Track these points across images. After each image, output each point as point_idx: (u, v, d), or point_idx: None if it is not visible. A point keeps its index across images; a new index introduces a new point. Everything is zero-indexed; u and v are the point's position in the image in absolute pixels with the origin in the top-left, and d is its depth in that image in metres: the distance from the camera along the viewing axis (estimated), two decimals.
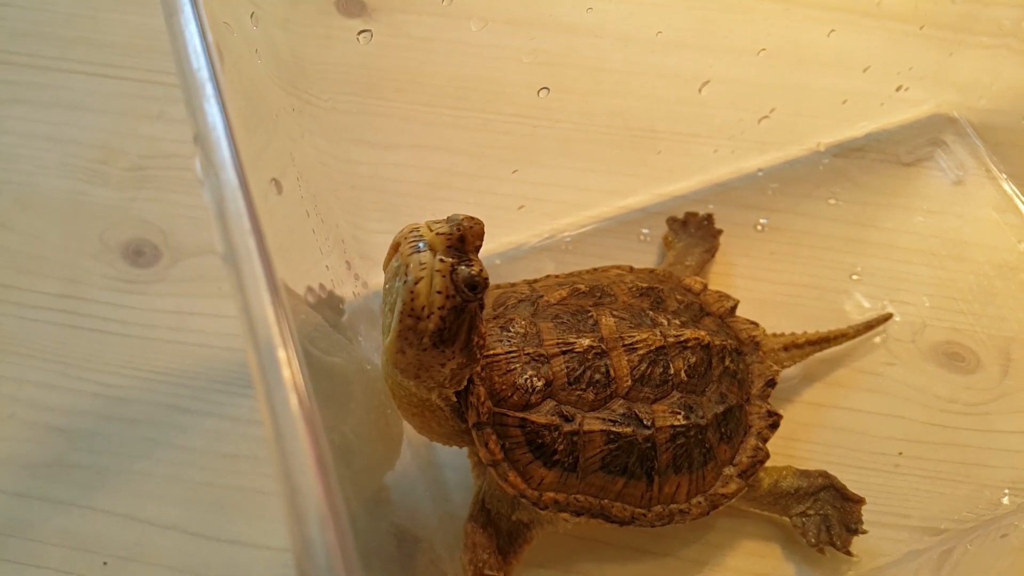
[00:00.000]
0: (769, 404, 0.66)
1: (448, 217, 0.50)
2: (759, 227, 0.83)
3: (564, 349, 0.60)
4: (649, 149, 0.84)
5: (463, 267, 0.49)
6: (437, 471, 0.70)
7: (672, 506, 0.62)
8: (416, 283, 0.48)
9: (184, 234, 0.81)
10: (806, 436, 0.72)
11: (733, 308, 0.69)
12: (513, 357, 0.59)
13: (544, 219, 0.82)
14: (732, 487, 0.63)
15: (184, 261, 0.79)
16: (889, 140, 0.89)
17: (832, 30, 0.79)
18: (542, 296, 0.65)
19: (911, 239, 0.83)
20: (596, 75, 0.82)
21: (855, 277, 0.81)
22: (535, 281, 0.69)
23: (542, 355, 0.59)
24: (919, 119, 0.90)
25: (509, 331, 0.61)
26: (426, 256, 0.49)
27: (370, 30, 0.69)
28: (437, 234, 0.49)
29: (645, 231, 0.82)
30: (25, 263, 0.78)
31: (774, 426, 0.66)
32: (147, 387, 0.73)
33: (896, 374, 0.76)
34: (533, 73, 0.76)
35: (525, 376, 0.58)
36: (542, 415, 0.58)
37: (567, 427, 0.58)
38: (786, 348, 0.71)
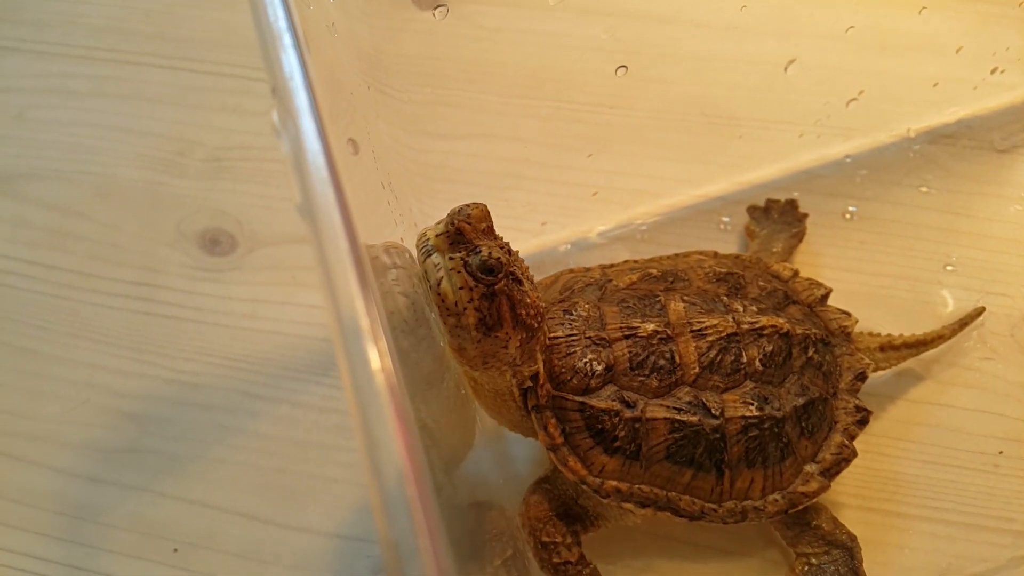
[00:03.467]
0: (858, 399, 0.63)
1: (448, 212, 0.51)
2: (847, 215, 0.79)
3: (627, 333, 0.58)
4: (728, 136, 0.82)
5: (472, 256, 0.50)
6: (512, 464, 0.68)
7: (746, 503, 0.59)
8: (438, 284, 0.50)
9: (260, 223, 0.81)
10: (898, 433, 0.68)
11: (824, 296, 0.66)
12: (574, 340, 0.57)
13: (618, 208, 0.79)
14: (813, 486, 0.59)
15: (259, 250, 0.79)
16: (982, 126, 0.84)
17: (924, 7, 0.75)
18: (611, 280, 0.63)
19: (1007, 228, 0.79)
20: (671, 61, 0.80)
21: (949, 268, 0.76)
22: (610, 266, 0.67)
23: (604, 339, 0.58)
24: (1015, 104, 0.85)
25: (572, 314, 0.59)
26: (436, 258, 0.50)
27: (446, 5, 0.68)
28: (436, 235, 0.50)
29: (725, 219, 0.79)
30: (103, 251, 0.79)
31: (862, 422, 0.62)
32: (220, 374, 0.73)
33: (994, 369, 0.72)
34: (606, 61, 0.74)
35: (585, 360, 0.57)
36: (602, 400, 0.56)
37: (628, 413, 0.56)
38: (882, 349, 0.68)
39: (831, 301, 0.67)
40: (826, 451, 0.61)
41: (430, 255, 0.50)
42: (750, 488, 0.58)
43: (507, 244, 0.53)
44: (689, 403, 0.57)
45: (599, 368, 0.57)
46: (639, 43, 0.76)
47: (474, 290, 0.50)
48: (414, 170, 0.75)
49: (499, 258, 0.49)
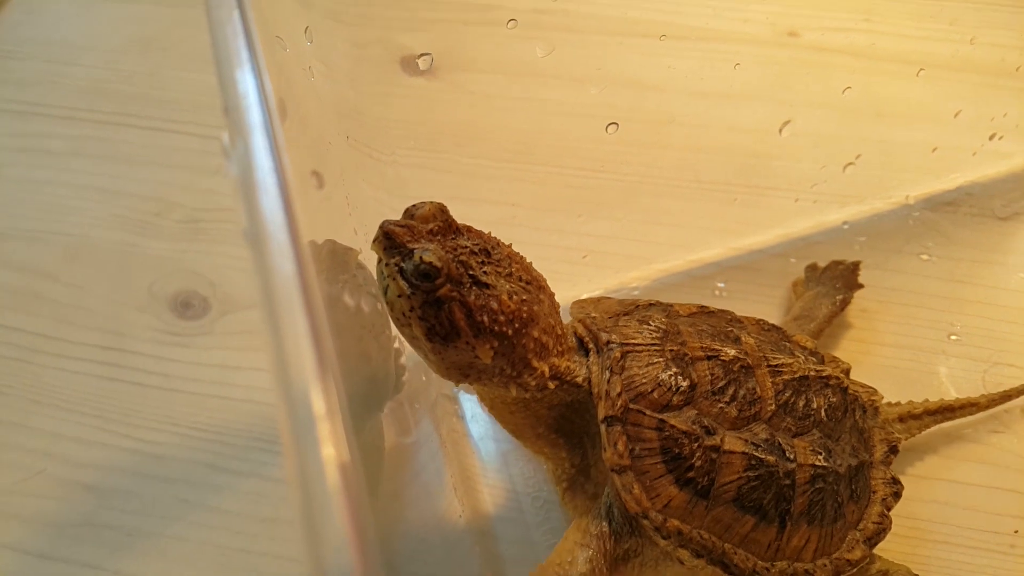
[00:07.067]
0: (892, 471, 0.59)
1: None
2: None
3: (709, 354, 0.53)
4: (722, 201, 0.80)
5: (406, 262, 0.46)
6: (492, 542, 0.63)
7: (797, 564, 0.53)
8: (384, 292, 0.47)
9: (234, 286, 0.77)
10: (908, 511, 0.64)
11: (847, 372, 0.62)
12: (655, 350, 0.52)
13: (609, 272, 0.77)
14: (857, 553, 0.55)
15: (233, 314, 0.76)
16: (983, 193, 0.82)
17: (921, 69, 0.74)
18: (672, 306, 0.59)
19: (1013, 297, 0.76)
20: (664, 127, 0.78)
21: (954, 337, 0.73)
22: (657, 300, 0.62)
23: (686, 355, 0.53)
24: (1014, 171, 0.83)
25: (649, 325, 0.55)
26: (379, 267, 0.47)
27: (430, 53, 0.67)
28: (372, 242, 0.47)
29: (720, 285, 0.76)
30: (70, 314, 0.76)
31: (897, 495, 0.58)
32: (186, 444, 0.68)
33: (1005, 443, 0.68)
34: (598, 125, 0.72)
35: (670, 372, 0.52)
36: (683, 420, 0.51)
37: (709, 440, 0.51)
38: (901, 419, 0.64)
39: None
40: (868, 519, 0.57)
41: (378, 263, 0.47)
42: (804, 548, 0.54)
43: (479, 243, 0.49)
44: (766, 441, 0.52)
45: (684, 384, 0.52)
46: (631, 109, 0.74)
47: (412, 298, 0.46)
48: None
49: (431, 262, 0.45)
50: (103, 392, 0.71)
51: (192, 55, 0.95)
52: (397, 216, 0.69)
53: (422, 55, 0.67)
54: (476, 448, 0.66)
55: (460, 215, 0.80)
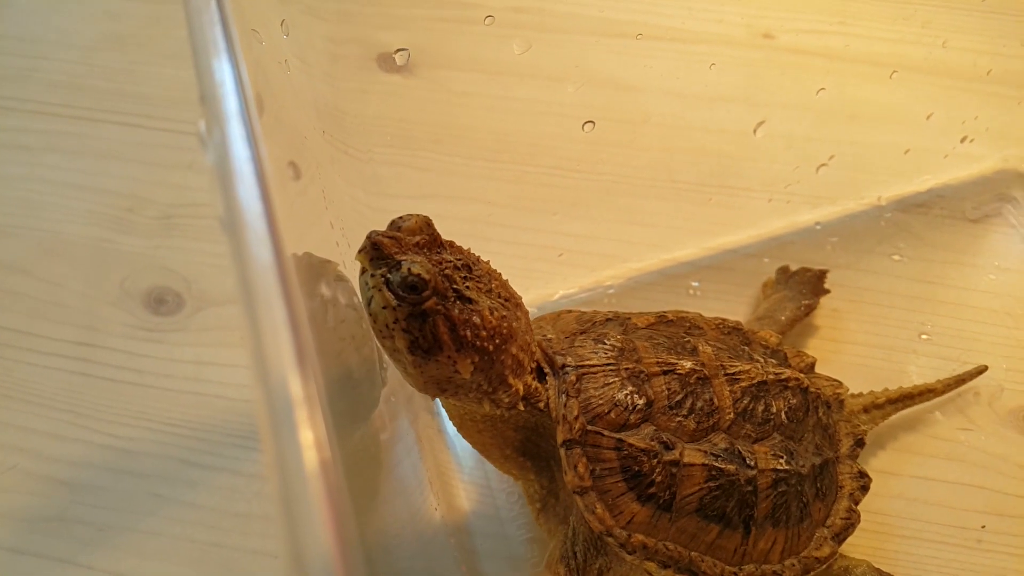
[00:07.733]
0: (859, 464, 0.60)
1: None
2: None
3: (665, 369, 0.54)
4: (697, 201, 0.80)
5: (393, 273, 0.46)
6: (467, 537, 0.64)
7: (765, 567, 0.54)
8: (368, 304, 0.46)
9: (208, 282, 0.77)
10: (876, 507, 0.65)
11: (811, 366, 0.63)
12: (611, 370, 0.53)
13: (584, 271, 0.77)
14: (825, 551, 0.56)
15: (207, 310, 0.75)
16: (954, 196, 0.84)
17: (894, 71, 0.75)
18: (630, 319, 0.60)
19: (983, 298, 0.77)
20: (640, 127, 0.79)
21: (924, 337, 0.74)
22: (615, 312, 0.63)
23: (642, 372, 0.53)
24: (985, 174, 0.85)
25: (604, 344, 0.55)
26: (363, 277, 0.47)
27: (407, 49, 0.67)
28: (358, 252, 0.47)
29: (695, 284, 0.77)
30: (43, 310, 0.75)
31: (865, 488, 0.59)
32: (159, 439, 0.68)
33: (973, 440, 0.69)
34: (574, 124, 0.73)
35: (625, 391, 0.52)
36: (641, 438, 0.51)
37: (667, 455, 0.51)
38: (866, 409, 0.65)
39: None
40: (835, 516, 0.58)
41: (362, 273, 0.47)
42: (771, 550, 0.55)
43: (462, 258, 0.49)
44: (725, 450, 0.53)
45: (640, 402, 0.52)
46: (607, 108, 0.75)
47: (398, 310, 0.46)
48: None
49: (420, 274, 0.45)
50: (76, 387, 0.71)
51: (167, 51, 0.95)
52: (375, 215, 0.69)
53: (399, 51, 0.67)
54: (452, 444, 0.66)
55: (436, 213, 0.80)
